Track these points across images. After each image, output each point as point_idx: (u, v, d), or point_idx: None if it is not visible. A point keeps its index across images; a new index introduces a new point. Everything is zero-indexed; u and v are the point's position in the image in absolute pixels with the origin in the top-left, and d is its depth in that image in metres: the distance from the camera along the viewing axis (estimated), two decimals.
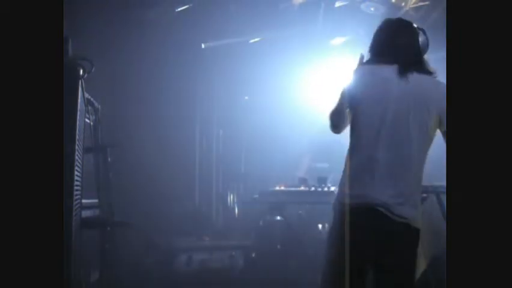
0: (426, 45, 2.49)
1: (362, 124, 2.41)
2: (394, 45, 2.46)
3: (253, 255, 5.09)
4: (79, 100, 2.20)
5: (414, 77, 2.38)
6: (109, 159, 3.42)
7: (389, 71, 2.40)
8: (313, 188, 4.46)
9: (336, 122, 2.58)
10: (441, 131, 2.39)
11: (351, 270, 2.32)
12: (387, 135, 2.33)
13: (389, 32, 2.51)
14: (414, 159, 2.35)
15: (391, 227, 2.30)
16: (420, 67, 2.43)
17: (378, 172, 2.30)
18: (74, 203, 2.17)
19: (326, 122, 2.62)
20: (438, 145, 2.41)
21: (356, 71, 2.51)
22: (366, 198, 2.29)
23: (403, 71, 2.38)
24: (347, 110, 2.50)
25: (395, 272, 2.35)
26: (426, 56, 2.49)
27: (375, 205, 2.28)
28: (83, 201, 2.66)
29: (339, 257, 2.33)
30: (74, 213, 2.14)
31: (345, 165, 2.44)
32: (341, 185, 2.43)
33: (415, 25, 2.52)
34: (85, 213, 2.80)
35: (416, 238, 2.42)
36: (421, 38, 2.46)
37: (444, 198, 3.64)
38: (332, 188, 4.32)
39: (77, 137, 2.15)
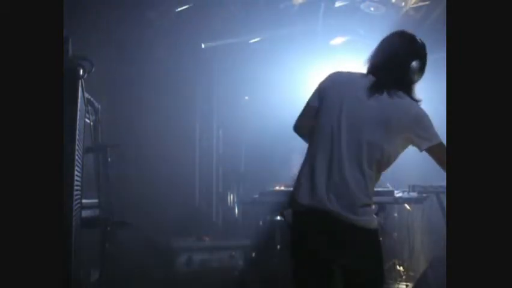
0: (420, 72, 2.43)
1: (319, 129, 2.39)
2: (384, 58, 2.40)
3: (253, 255, 5.09)
4: (79, 100, 2.20)
5: (385, 95, 2.31)
6: (109, 159, 3.41)
7: (365, 81, 2.36)
8: None
9: (302, 133, 2.55)
10: (420, 150, 2.36)
11: (314, 275, 2.35)
12: (340, 145, 2.30)
13: (388, 42, 2.45)
14: (363, 174, 2.31)
15: (344, 230, 2.29)
16: (400, 88, 2.35)
17: (331, 185, 2.29)
18: (74, 203, 2.17)
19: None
20: None
21: (331, 74, 2.47)
22: (316, 206, 2.30)
23: (376, 85, 2.33)
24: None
25: (359, 273, 2.34)
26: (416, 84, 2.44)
27: (326, 211, 2.28)
28: (83, 201, 2.66)
29: (300, 264, 2.40)
30: (74, 213, 2.14)
31: (301, 168, 2.44)
32: (294, 192, 2.42)
33: (421, 47, 2.45)
34: (85, 213, 2.80)
35: (372, 237, 2.36)
36: (417, 64, 2.39)
37: (444, 198, 3.65)
38: None
39: (77, 137, 2.15)
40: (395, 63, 2.38)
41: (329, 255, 2.33)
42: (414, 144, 2.35)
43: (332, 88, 2.41)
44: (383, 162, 2.35)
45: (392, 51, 2.40)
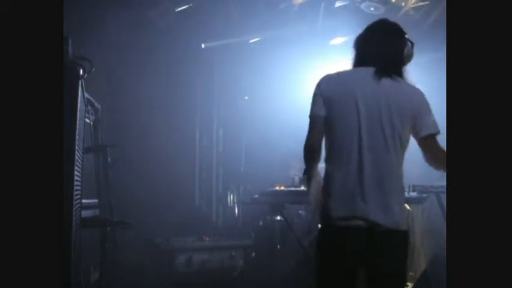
0: (410, 56, 2.44)
1: (338, 134, 2.35)
2: (374, 48, 2.41)
3: (253, 255, 5.09)
4: (79, 100, 2.19)
5: (389, 82, 2.33)
6: (109, 159, 3.42)
7: (363, 74, 2.37)
8: None
9: (317, 148, 2.44)
10: (416, 138, 2.38)
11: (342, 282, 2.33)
12: (365, 145, 2.29)
13: (373, 33, 2.46)
14: (394, 166, 2.32)
15: (381, 238, 2.28)
16: (398, 74, 2.38)
17: (366, 188, 2.26)
18: (74, 203, 2.16)
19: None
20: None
21: (323, 79, 2.43)
22: (358, 219, 2.26)
23: (377, 74, 2.33)
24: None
25: (390, 277, 2.33)
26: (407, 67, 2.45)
27: (368, 225, 2.26)
28: (83, 201, 2.66)
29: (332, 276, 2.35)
30: (74, 213, 2.14)
31: (327, 180, 2.37)
32: (327, 204, 2.35)
33: (403, 32, 2.46)
34: (85, 213, 2.80)
35: (404, 240, 2.37)
36: (406, 48, 2.41)
37: (444, 198, 3.65)
38: None
39: (77, 137, 2.14)
40: (390, 51, 2.40)
41: (365, 259, 2.31)
42: (415, 129, 2.35)
43: (336, 93, 2.37)
44: (402, 151, 2.36)
45: (384, 40, 2.41)
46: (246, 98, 6.96)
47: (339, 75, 2.44)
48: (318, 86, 2.42)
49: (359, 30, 2.54)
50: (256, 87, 6.45)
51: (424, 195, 4.05)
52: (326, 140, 2.41)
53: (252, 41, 6.46)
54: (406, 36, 2.45)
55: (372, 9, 5.68)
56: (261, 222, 5.15)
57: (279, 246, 4.83)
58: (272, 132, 6.05)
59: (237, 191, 6.79)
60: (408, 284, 4.94)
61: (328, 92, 2.37)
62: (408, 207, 5.35)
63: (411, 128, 2.35)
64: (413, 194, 4.00)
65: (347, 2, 5.78)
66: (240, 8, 5.96)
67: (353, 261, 2.32)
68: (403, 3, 5.76)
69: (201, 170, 6.80)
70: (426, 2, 5.71)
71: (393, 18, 5.84)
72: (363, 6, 5.68)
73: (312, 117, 2.41)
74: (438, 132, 2.35)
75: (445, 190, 1.94)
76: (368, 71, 2.36)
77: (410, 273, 5.22)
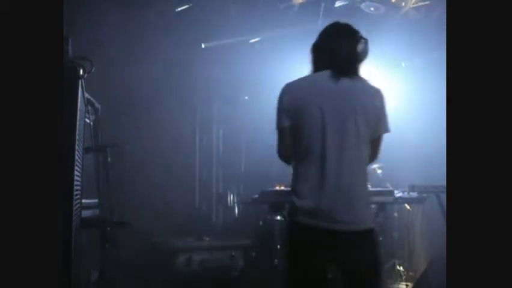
0: (365, 53, 2.48)
1: (304, 140, 2.40)
2: (328, 52, 2.47)
3: (253, 255, 5.09)
4: (79, 100, 2.19)
5: (348, 82, 2.39)
6: (109, 159, 3.41)
7: (322, 78, 2.42)
8: None
9: (291, 154, 2.52)
10: (373, 136, 2.42)
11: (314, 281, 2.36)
12: (330, 147, 2.33)
13: (325, 38, 2.52)
14: (359, 166, 2.37)
15: (346, 237, 2.31)
16: (355, 73, 2.43)
17: (330, 187, 2.31)
18: (74, 203, 2.16)
19: None
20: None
21: (283, 90, 2.51)
22: (321, 218, 2.30)
23: (335, 76, 2.39)
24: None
25: (362, 274, 2.36)
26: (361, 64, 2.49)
27: (331, 224, 2.29)
28: (83, 201, 2.65)
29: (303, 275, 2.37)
30: (74, 213, 2.14)
31: (295, 180, 2.43)
32: (293, 203, 2.41)
33: (354, 32, 2.50)
34: (85, 213, 2.79)
35: (370, 238, 2.38)
36: (360, 46, 2.44)
37: (444, 198, 3.65)
38: None
39: (77, 137, 2.14)
40: (343, 52, 2.44)
41: (333, 259, 2.36)
42: (373, 128, 2.40)
43: (298, 100, 2.44)
44: (367, 150, 2.41)
45: (335, 42, 2.47)
46: (246, 98, 6.96)
47: (299, 82, 2.51)
48: (280, 98, 2.50)
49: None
50: (256, 87, 6.45)
51: (424, 195, 4.06)
52: (294, 145, 2.47)
53: (252, 40, 6.46)
54: (359, 34, 2.49)
55: (372, 9, 5.68)
56: (261, 222, 5.15)
57: (279, 246, 4.83)
58: (272, 132, 6.04)
59: (237, 191, 6.79)
60: (408, 284, 4.95)
61: (290, 102, 2.45)
62: (408, 207, 5.36)
63: (371, 126, 2.39)
64: (413, 194, 4.00)
65: (347, 2, 5.79)
66: (240, 8, 5.97)
67: (317, 259, 2.35)
68: (403, 3, 5.77)
69: (201, 170, 6.80)
70: (426, 2, 5.72)
71: (393, 18, 5.84)
72: (363, 6, 5.68)
73: (279, 129, 2.52)
74: (386, 132, 2.45)
75: (445, 190, 1.94)
76: (326, 74, 2.42)
77: (410, 273, 5.23)
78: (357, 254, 2.32)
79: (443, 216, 3.72)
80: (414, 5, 5.76)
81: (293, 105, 2.44)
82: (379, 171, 5.35)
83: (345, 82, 2.38)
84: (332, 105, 2.36)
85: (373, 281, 2.37)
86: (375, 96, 2.43)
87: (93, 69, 2.38)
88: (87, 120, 2.88)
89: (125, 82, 5.51)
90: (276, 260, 4.69)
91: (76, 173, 2.17)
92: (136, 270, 4.60)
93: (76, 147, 2.13)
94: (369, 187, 2.46)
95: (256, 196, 4.18)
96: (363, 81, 2.44)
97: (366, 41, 2.48)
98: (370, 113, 2.37)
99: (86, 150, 2.87)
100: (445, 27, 1.89)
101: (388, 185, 4.86)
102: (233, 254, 5.03)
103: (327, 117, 2.34)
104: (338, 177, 2.31)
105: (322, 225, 2.30)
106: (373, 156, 2.49)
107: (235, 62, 6.45)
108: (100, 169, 3.32)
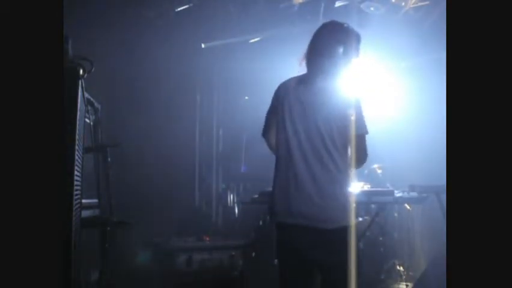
0: (345, 57, 2.48)
1: (281, 140, 2.51)
2: (311, 54, 2.54)
3: (253, 255, 5.09)
4: (79, 100, 2.19)
5: (323, 83, 2.43)
6: (109, 159, 3.41)
7: (301, 77, 2.51)
8: None
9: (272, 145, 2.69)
10: (349, 137, 2.44)
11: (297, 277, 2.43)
12: (303, 148, 2.41)
13: (313, 37, 2.59)
14: (333, 165, 2.39)
15: (320, 235, 2.35)
16: (333, 74, 2.45)
17: (304, 187, 2.38)
18: (74, 203, 2.16)
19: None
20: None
21: (277, 88, 2.64)
22: (294, 216, 2.39)
23: (310, 77, 2.46)
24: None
25: (335, 272, 2.39)
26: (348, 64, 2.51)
27: (305, 222, 2.36)
28: (83, 201, 2.65)
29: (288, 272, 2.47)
30: (74, 213, 2.14)
31: (273, 180, 2.58)
32: (271, 201, 2.55)
33: (344, 33, 2.51)
34: (85, 213, 2.79)
35: (343, 236, 2.39)
36: (344, 46, 2.45)
37: (444, 198, 3.65)
38: None
39: (77, 137, 2.14)
40: (322, 54, 2.49)
41: (310, 258, 2.42)
42: (349, 127, 2.43)
43: (281, 99, 2.55)
44: (344, 149, 2.43)
45: (317, 43, 2.53)
46: (246, 98, 6.96)
47: (285, 83, 2.61)
48: (274, 94, 2.66)
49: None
50: (256, 87, 6.45)
51: (424, 195, 4.06)
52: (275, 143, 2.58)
53: (252, 40, 6.46)
54: (348, 32, 2.48)
55: (372, 9, 5.68)
56: (261, 222, 5.15)
57: None
58: None
59: (237, 191, 6.79)
60: (408, 284, 4.95)
61: (276, 100, 2.60)
62: (408, 207, 5.36)
63: (345, 126, 2.41)
64: (413, 194, 4.00)
65: (347, 2, 5.78)
66: (240, 8, 5.96)
67: (295, 258, 2.39)
68: (403, 3, 5.76)
69: (201, 170, 6.80)
70: (426, 2, 5.71)
71: (393, 18, 5.84)
72: (363, 6, 5.68)
73: (266, 115, 2.69)
74: (367, 133, 2.45)
75: (445, 190, 1.95)
76: (304, 75, 2.51)
77: (410, 273, 5.23)
78: (327, 253, 2.35)
79: (443, 216, 3.72)
80: (414, 5, 5.76)
81: (276, 104, 2.57)
82: (379, 171, 5.36)
83: (319, 83, 2.42)
84: (303, 107, 2.41)
85: (342, 280, 2.36)
86: (348, 97, 2.43)
87: (93, 69, 2.38)
88: (87, 120, 2.88)
89: (125, 82, 5.51)
90: (276, 260, 4.69)
91: (76, 173, 2.17)
92: (136, 270, 4.60)
93: (76, 147, 2.13)
94: (350, 189, 2.46)
95: (256, 196, 4.18)
96: (339, 82, 2.45)
97: (357, 38, 2.48)
98: (342, 113, 2.39)
99: (86, 150, 2.87)
100: (445, 27, 1.89)
101: (388, 185, 4.86)
102: (233, 254, 5.03)
103: (298, 119, 2.41)
104: (311, 179, 2.37)
105: (294, 222, 2.37)
106: (359, 157, 2.45)
107: (235, 62, 6.45)
108: (100, 169, 3.32)
